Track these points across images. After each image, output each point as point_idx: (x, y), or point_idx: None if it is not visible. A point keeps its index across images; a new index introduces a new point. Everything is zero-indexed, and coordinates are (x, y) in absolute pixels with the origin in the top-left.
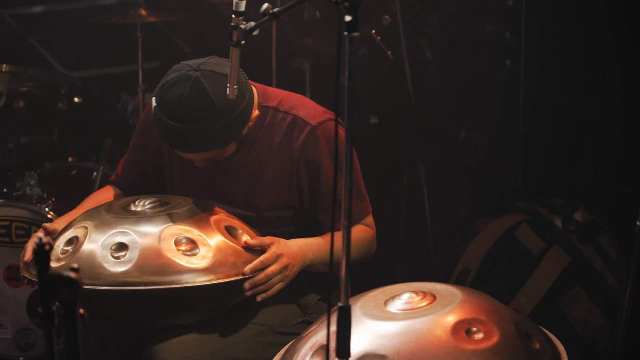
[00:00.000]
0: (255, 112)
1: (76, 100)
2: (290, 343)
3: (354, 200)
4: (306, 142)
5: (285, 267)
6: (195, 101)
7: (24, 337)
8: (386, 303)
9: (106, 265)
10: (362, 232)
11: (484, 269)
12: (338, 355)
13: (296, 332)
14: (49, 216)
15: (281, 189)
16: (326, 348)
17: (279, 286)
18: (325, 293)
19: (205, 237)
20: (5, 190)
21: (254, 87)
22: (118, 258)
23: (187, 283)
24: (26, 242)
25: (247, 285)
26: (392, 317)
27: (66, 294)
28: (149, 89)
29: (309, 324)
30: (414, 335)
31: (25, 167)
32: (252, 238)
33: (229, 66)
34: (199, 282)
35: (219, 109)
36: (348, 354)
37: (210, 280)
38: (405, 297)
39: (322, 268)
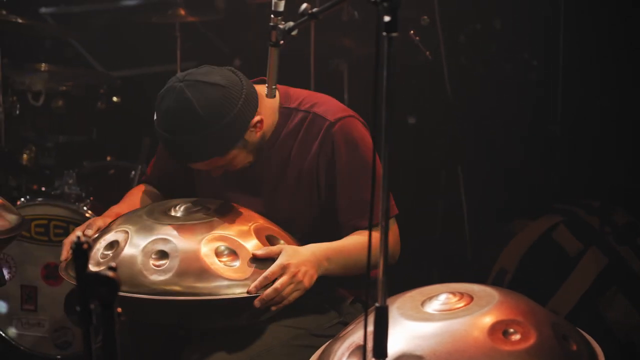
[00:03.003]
0: (256, 118)
1: (115, 99)
2: (327, 343)
3: (356, 204)
4: (324, 139)
5: (295, 276)
6: (179, 112)
7: (61, 335)
8: (423, 303)
9: (146, 273)
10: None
11: (521, 270)
12: (375, 355)
13: (332, 334)
14: (87, 215)
15: (303, 190)
16: (363, 348)
17: (294, 295)
18: (359, 293)
19: (246, 246)
20: (43, 189)
21: (277, 89)
22: (158, 266)
23: (225, 294)
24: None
25: (257, 303)
26: (429, 318)
27: (104, 293)
28: None
29: (344, 324)
30: (450, 336)
31: (64, 166)
32: (260, 248)
33: (220, 74)
34: (237, 294)
35: (204, 118)
36: (385, 354)
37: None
38: (442, 297)
39: (341, 272)
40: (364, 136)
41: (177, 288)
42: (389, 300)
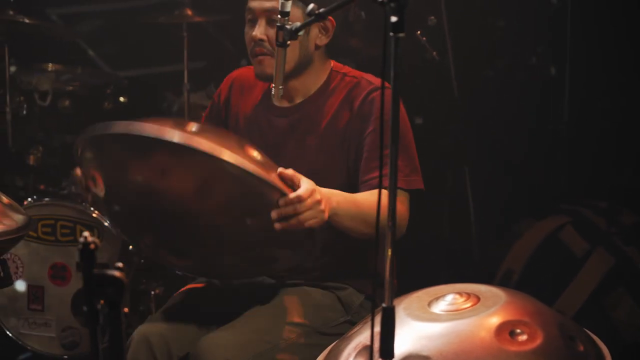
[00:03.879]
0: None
1: (121, 99)
2: (334, 343)
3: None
4: (364, 100)
5: (318, 203)
6: None
7: (68, 335)
8: (430, 304)
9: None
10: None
11: (527, 271)
12: (382, 355)
13: (339, 332)
14: (94, 215)
15: (332, 145)
16: (370, 348)
17: (310, 221)
18: (369, 292)
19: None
20: (50, 189)
21: (331, 60)
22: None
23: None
24: (71, 240)
25: (281, 201)
26: (436, 318)
27: (111, 293)
28: (194, 88)
29: (351, 324)
30: (457, 336)
31: (70, 166)
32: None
33: None
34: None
35: None
36: (392, 355)
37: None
38: (449, 298)
39: (348, 223)
40: (403, 111)
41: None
42: (395, 301)
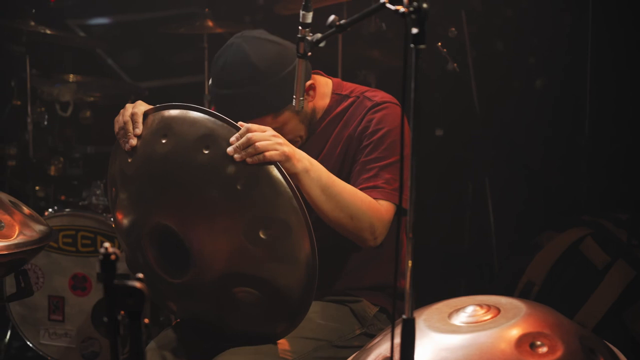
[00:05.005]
0: (310, 82)
1: None
2: (354, 355)
3: (385, 173)
4: (364, 116)
5: (276, 137)
6: (236, 65)
7: (89, 345)
8: (450, 316)
9: None
10: (366, 200)
11: (548, 283)
12: None
13: (355, 345)
14: (114, 225)
15: (332, 160)
16: None
17: (270, 153)
18: (383, 303)
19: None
20: (71, 199)
21: (330, 79)
22: None
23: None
24: (92, 251)
25: (229, 150)
26: (456, 330)
27: (131, 303)
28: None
29: (368, 335)
30: (477, 348)
31: (91, 177)
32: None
33: (273, 40)
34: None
35: (261, 69)
36: None
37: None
38: (469, 309)
39: (317, 192)
40: (403, 125)
41: None
42: (416, 313)
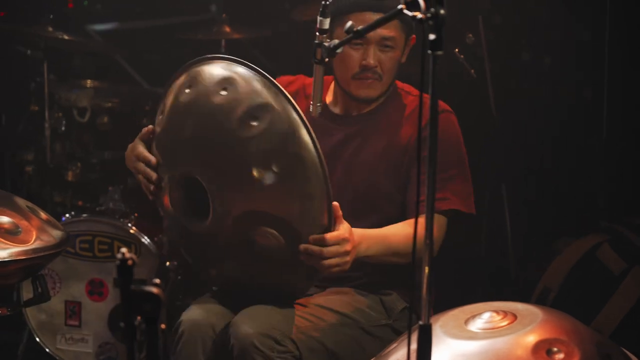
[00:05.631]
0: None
1: (160, 116)
2: None
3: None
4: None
5: (346, 253)
6: None
7: (105, 351)
8: (467, 322)
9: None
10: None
11: (565, 289)
12: None
13: (379, 335)
14: (132, 231)
15: (386, 164)
16: None
17: (333, 269)
18: (410, 301)
19: None
20: (88, 205)
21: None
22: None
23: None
24: (109, 256)
25: (302, 247)
26: (473, 336)
27: (148, 309)
28: None
29: (392, 328)
30: (494, 354)
31: (109, 182)
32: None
33: None
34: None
35: None
36: None
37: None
38: (486, 316)
39: (379, 259)
40: (459, 133)
41: None
42: (432, 319)
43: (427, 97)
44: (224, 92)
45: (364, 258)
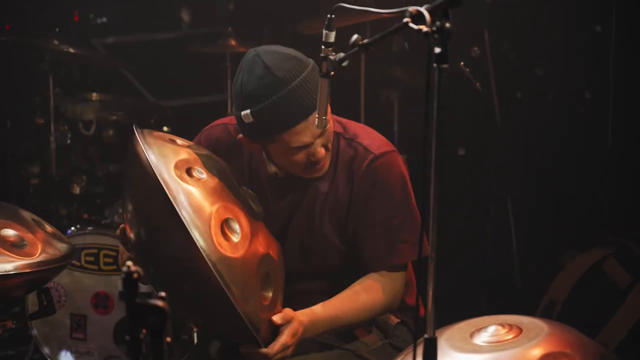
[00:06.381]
0: None
1: (165, 129)
2: None
3: (387, 240)
4: (365, 171)
5: (293, 344)
6: (256, 74)
7: None
8: (472, 335)
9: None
10: (369, 290)
11: (570, 302)
12: None
13: (377, 357)
14: None
15: (333, 219)
16: None
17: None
18: (404, 315)
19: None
20: (93, 218)
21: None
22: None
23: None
24: (114, 269)
25: (242, 349)
26: (478, 350)
27: (153, 322)
28: None
29: (393, 346)
30: None
31: (114, 195)
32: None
33: (284, 51)
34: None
35: (278, 77)
36: None
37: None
38: (491, 329)
39: (330, 332)
40: (403, 173)
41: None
42: (437, 332)
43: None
44: None
45: (333, 330)
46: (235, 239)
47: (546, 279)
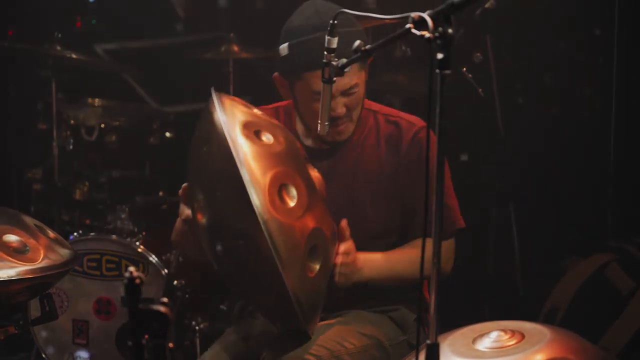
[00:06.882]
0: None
1: (167, 134)
2: None
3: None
4: (412, 142)
5: (351, 265)
6: (305, 14)
7: None
8: (474, 341)
9: None
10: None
11: (573, 308)
12: None
13: (397, 353)
14: (139, 250)
15: (381, 189)
16: None
17: (339, 275)
18: (418, 311)
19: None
20: (96, 223)
21: None
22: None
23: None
24: (116, 275)
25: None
26: (480, 355)
27: (156, 328)
28: None
29: (409, 344)
30: None
31: (117, 201)
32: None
33: (338, 8)
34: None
35: (324, 21)
36: None
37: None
38: (494, 335)
39: (382, 284)
40: None
41: None
42: (440, 338)
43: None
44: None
45: (367, 282)
46: (291, 203)
47: (548, 284)
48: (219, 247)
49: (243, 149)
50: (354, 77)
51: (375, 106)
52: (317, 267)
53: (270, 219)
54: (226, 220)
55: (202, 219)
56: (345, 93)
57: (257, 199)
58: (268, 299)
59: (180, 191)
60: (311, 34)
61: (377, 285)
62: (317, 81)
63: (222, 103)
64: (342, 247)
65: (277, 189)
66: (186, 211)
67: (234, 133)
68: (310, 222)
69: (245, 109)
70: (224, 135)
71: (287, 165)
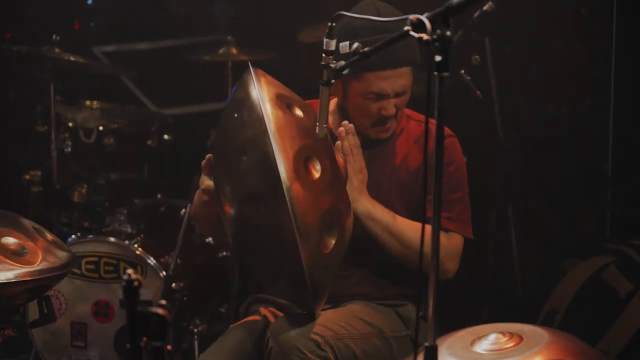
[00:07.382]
0: None
1: (166, 137)
2: None
3: (455, 205)
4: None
5: (363, 182)
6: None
7: None
8: (472, 343)
9: None
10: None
11: (571, 310)
12: None
13: (399, 346)
14: (137, 252)
15: (405, 182)
16: None
17: (353, 156)
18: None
19: None
20: (94, 226)
21: None
22: None
23: None
24: (115, 277)
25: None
26: (479, 358)
27: (154, 330)
28: None
29: (411, 339)
30: None
31: (115, 203)
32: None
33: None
34: None
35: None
36: None
37: None
38: (492, 337)
39: (380, 232)
40: (462, 158)
41: None
42: (438, 340)
43: (432, 122)
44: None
45: (369, 221)
46: (316, 175)
47: (547, 287)
48: (238, 214)
49: (275, 116)
50: (408, 79)
51: (408, 111)
52: (332, 243)
53: (294, 186)
54: (249, 186)
55: (225, 186)
56: (399, 94)
57: (282, 166)
58: (281, 270)
59: (204, 162)
60: (373, 35)
61: (381, 242)
62: (377, 82)
63: (257, 75)
64: (358, 164)
65: (303, 160)
66: (207, 181)
67: (267, 103)
68: (330, 199)
69: (279, 85)
70: (257, 102)
71: (314, 140)
